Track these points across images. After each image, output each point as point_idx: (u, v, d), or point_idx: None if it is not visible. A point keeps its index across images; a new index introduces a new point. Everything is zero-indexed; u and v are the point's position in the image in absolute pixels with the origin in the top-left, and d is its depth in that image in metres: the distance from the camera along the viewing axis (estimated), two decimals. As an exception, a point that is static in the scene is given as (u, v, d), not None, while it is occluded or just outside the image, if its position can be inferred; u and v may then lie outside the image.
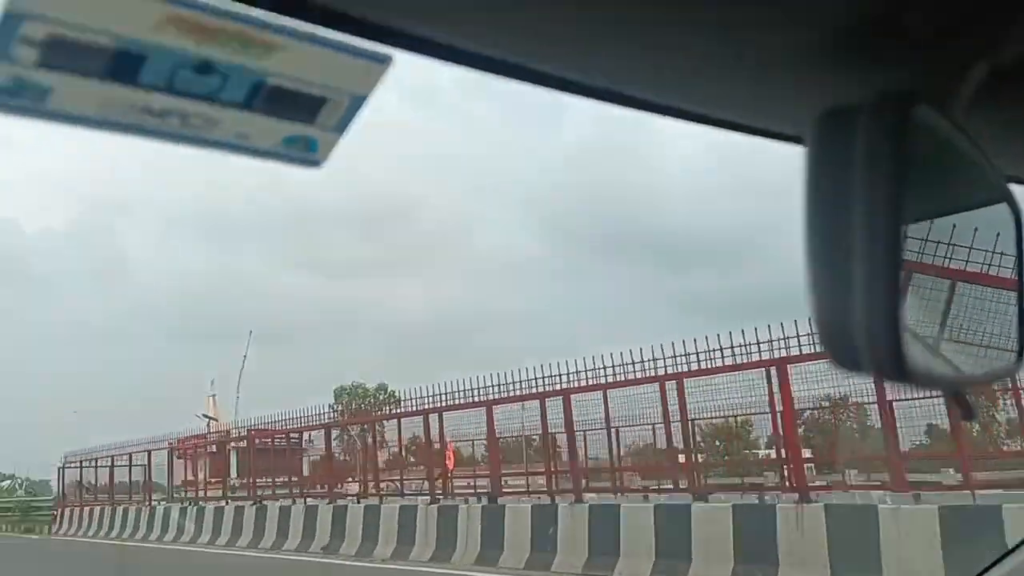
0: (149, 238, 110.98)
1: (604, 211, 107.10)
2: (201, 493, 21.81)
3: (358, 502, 15.31)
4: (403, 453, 16.15)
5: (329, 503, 15.82)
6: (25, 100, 0.61)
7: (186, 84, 0.63)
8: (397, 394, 19.02)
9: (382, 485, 15.87)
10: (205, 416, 38.36)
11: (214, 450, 22.97)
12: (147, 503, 22.35)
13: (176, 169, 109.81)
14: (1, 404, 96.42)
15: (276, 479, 19.03)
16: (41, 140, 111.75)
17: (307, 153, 0.73)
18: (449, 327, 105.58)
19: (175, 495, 22.37)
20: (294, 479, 18.96)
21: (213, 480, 22.00)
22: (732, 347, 12.15)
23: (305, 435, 20.00)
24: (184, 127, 0.66)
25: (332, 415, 22.82)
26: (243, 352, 57.74)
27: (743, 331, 12.07)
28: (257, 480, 19.56)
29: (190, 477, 24.26)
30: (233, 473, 21.42)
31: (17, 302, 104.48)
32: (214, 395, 49.88)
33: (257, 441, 20.90)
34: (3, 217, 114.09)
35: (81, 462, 25.55)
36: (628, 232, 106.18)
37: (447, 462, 14.95)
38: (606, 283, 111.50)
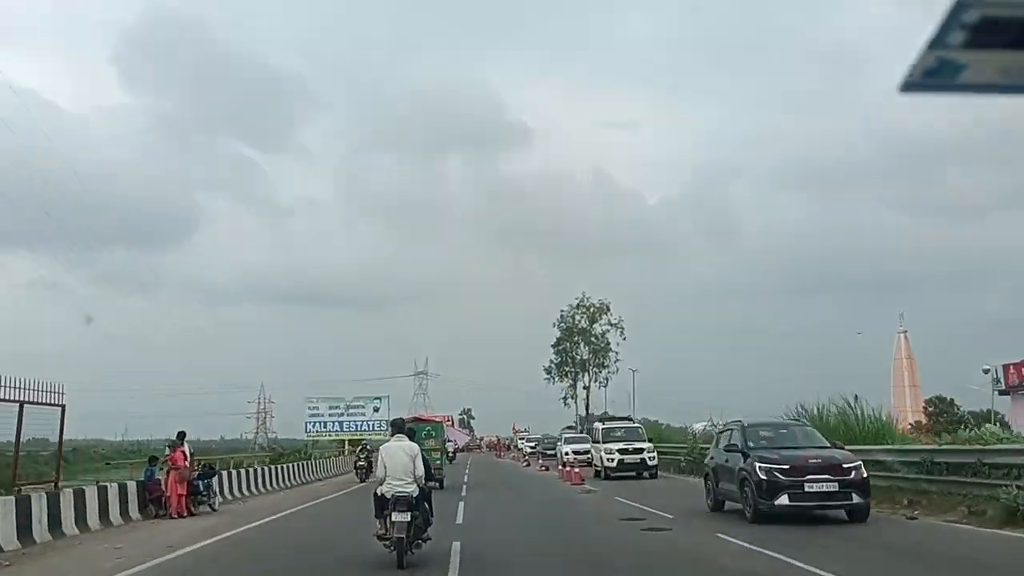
0: (757, 197, 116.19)
1: None
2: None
3: None
4: None
5: None
6: (940, 79, 0.72)
7: None
8: None
9: None
10: None
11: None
12: None
13: (777, 130, 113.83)
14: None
15: None
16: (655, 121, 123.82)
17: None
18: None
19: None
20: None
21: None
22: None
23: None
24: None
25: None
26: None
27: None
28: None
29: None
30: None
31: (645, 266, 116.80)
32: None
33: None
34: (629, 191, 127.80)
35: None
36: None
37: None
38: None
